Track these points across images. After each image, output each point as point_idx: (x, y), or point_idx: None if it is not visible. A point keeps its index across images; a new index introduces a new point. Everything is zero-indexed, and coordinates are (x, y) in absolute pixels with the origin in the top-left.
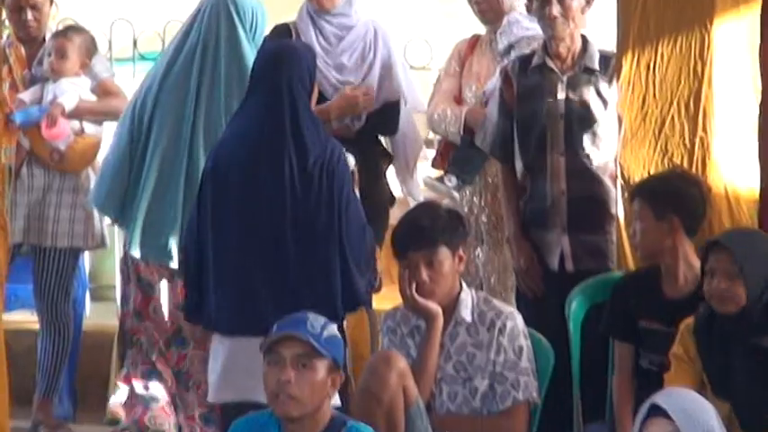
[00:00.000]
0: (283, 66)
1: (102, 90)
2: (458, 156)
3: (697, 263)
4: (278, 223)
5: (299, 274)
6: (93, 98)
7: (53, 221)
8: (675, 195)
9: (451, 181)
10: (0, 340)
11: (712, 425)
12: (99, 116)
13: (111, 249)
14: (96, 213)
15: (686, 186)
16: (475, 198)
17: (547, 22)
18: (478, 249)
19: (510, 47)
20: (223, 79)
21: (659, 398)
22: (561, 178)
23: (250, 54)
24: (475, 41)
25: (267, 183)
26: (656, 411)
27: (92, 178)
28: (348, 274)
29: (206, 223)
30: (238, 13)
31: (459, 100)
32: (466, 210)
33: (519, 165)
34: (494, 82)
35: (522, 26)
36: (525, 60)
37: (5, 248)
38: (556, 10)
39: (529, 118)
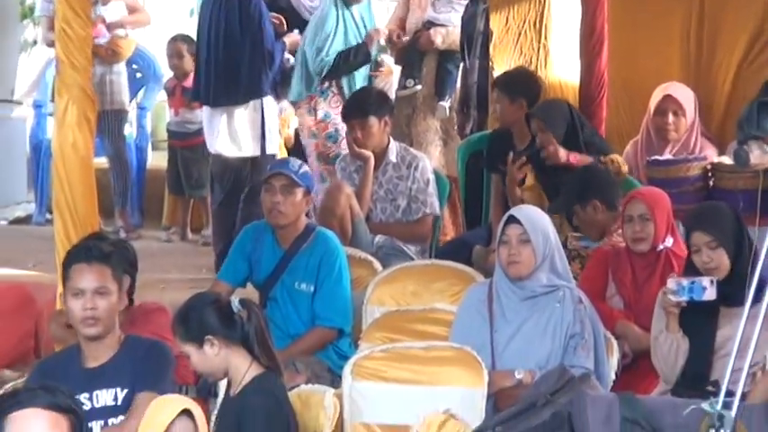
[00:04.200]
0: None
1: (131, 9)
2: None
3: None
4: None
5: (238, 70)
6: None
7: (109, 94)
8: (524, 86)
9: (409, 82)
10: (92, 173)
11: (546, 224)
12: (133, 26)
13: (163, 114)
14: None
15: (531, 79)
16: (423, 87)
17: None
18: (419, 118)
19: None
20: None
21: (513, 210)
22: None
23: None
24: None
25: (221, 22)
26: (512, 219)
27: (123, 67)
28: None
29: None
30: None
31: (404, 24)
32: (417, 89)
33: None
34: (429, 12)
35: None
36: None
37: (96, 113)
38: None
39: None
